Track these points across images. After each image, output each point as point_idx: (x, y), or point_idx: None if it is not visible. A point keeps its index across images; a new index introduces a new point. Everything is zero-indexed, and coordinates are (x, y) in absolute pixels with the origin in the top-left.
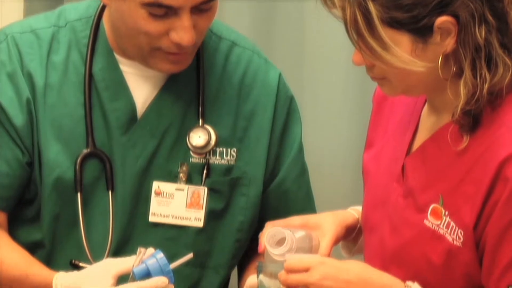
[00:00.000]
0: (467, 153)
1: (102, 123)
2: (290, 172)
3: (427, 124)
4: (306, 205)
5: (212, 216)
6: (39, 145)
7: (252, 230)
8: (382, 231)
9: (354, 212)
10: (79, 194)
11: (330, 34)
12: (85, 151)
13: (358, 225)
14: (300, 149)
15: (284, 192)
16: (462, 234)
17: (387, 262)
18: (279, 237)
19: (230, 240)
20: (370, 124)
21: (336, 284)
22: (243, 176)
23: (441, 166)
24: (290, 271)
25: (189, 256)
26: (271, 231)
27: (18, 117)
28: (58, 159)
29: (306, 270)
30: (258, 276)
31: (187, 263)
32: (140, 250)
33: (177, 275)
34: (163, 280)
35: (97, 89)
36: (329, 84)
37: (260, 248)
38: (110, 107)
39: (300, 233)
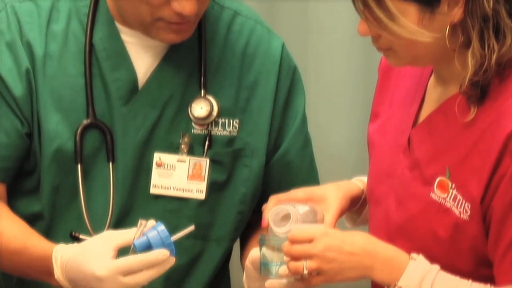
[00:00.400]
0: (474, 125)
1: (102, 93)
2: (294, 143)
3: (434, 96)
4: (310, 177)
5: (214, 188)
6: (38, 116)
7: (254, 202)
8: (388, 204)
9: (359, 182)
10: (79, 166)
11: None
12: (85, 121)
13: (363, 196)
14: (304, 120)
15: (287, 164)
16: (469, 207)
17: (393, 235)
18: (283, 214)
19: (232, 212)
20: (376, 95)
21: (340, 255)
22: (246, 147)
23: (448, 138)
24: (294, 241)
25: (191, 228)
26: (275, 209)
27: (17, 87)
28: (58, 129)
29: (310, 241)
30: (260, 249)
31: (188, 236)
32: (141, 222)
33: (178, 248)
34: (164, 252)
35: (98, 59)
36: (334, 56)
37: (264, 223)
38: (111, 77)
39: (304, 208)
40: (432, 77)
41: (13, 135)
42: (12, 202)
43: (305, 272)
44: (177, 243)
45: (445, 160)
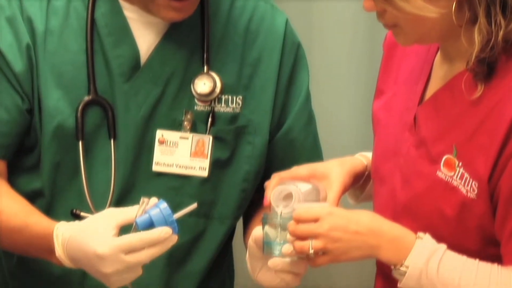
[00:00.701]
0: (481, 102)
1: (104, 70)
2: (297, 120)
3: (440, 73)
4: (313, 155)
5: (217, 165)
6: (39, 92)
7: (258, 180)
8: (393, 183)
9: (363, 158)
10: (80, 142)
11: None
12: (86, 98)
13: (366, 172)
14: (307, 97)
15: (290, 141)
16: (477, 186)
17: (399, 214)
18: (285, 193)
19: (235, 190)
20: (380, 72)
21: (345, 235)
22: (249, 124)
23: (454, 115)
24: (299, 221)
25: (193, 206)
26: (277, 189)
27: (17, 63)
28: (58, 106)
29: (315, 220)
30: (263, 228)
31: (191, 214)
32: (143, 200)
33: (181, 226)
34: (166, 230)
35: (100, 34)
36: (338, 32)
37: (266, 202)
38: (112, 53)
39: (306, 187)
40: (438, 54)
41: (13, 111)
42: (12, 179)
43: (311, 251)
44: (180, 221)
45: (451, 138)
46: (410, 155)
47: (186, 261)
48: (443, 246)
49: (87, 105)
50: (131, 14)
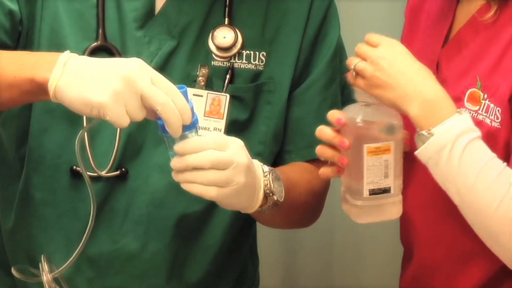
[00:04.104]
0: (505, 31)
1: (115, 14)
2: (318, 80)
3: (463, 13)
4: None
5: (234, 127)
6: (41, 22)
7: (276, 145)
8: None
9: None
10: None
11: None
12: (94, 43)
13: None
14: (333, 57)
15: (306, 101)
16: (500, 112)
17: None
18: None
19: (251, 153)
20: (403, 39)
21: (390, 69)
22: (269, 81)
23: (477, 50)
24: (367, 42)
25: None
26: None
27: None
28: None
29: (377, 45)
30: None
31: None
32: None
33: (191, 195)
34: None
35: None
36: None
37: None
38: None
39: None
40: (460, 2)
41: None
42: None
43: (353, 67)
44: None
45: (475, 72)
46: None
47: (198, 233)
48: (478, 132)
49: (94, 51)
50: None
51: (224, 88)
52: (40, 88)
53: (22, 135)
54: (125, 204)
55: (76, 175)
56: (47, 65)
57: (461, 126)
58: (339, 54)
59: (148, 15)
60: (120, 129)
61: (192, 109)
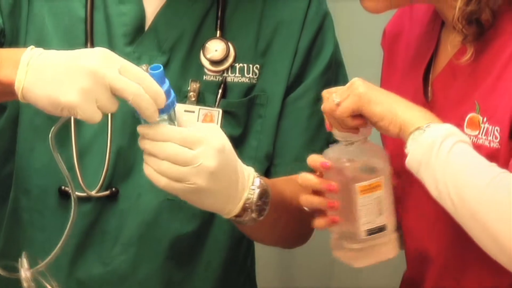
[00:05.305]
0: (501, 55)
1: (104, 28)
2: (307, 92)
3: (448, 40)
4: (316, 137)
5: None
6: (26, 36)
7: (267, 162)
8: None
9: None
10: None
11: None
12: None
13: None
14: (326, 71)
15: (292, 115)
16: (499, 131)
17: (422, 196)
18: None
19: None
20: (383, 70)
21: (370, 87)
22: (261, 94)
23: (475, 75)
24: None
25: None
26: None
27: None
28: None
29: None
30: None
31: None
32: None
33: (186, 214)
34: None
35: None
36: (360, 33)
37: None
38: (115, 10)
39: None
40: (444, 28)
41: None
42: None
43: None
44: (185, 208)
45: (473, 96)
46: None
47: (192, 254)
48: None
49: None
50: None
51: (217, 103)
52: (8, 89)
53: (4, 155)
54: (116, 225)
55: (64, 196)
56: (11, 65)
57: (454, 128)
58: (335, 69)
59: (137, 31)
60: (110, 147)
61: (167, 90)
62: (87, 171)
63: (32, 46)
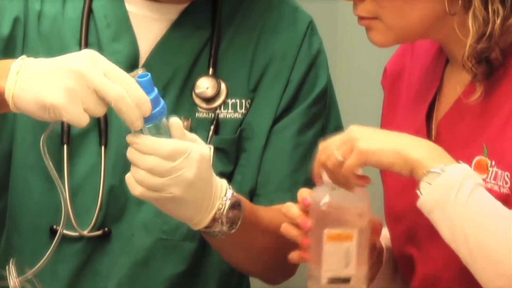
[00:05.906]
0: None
1: None
2: (292, 123)
3: (454, 79)
4: (298, 170)
5: None
6: None
7: (251, 194)
8: (413, 217)
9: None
10: (65, 147)
11: None
12: None
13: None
14: (314, 103)
15: (275, 145)
16: (509, 176)
17: (424, 241)
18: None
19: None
20: (384, 109)
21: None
22: (246, 128)
23: (483, 115)
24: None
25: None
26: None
27: (3, 27)
28: None
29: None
30: None
31: (185, 237)
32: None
33: (178, 250)
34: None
35: (97, 26)
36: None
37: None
38: (109, 48)
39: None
40: (448, 67)
41: None
42: None
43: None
44: (176, 245)
45: (480, 139)
46: None
47: None
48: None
49: None
50: (134, 8)
51: (209, 140)
52: (1, 99)
53: None
54: (108, 265)
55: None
56: (2, 76)
57: (471, 170)
58: (328, 109)
59: (131, 68)
60: (104, 187)
61: (155, 99)
62: (79, 210)
63: (23, 56)
